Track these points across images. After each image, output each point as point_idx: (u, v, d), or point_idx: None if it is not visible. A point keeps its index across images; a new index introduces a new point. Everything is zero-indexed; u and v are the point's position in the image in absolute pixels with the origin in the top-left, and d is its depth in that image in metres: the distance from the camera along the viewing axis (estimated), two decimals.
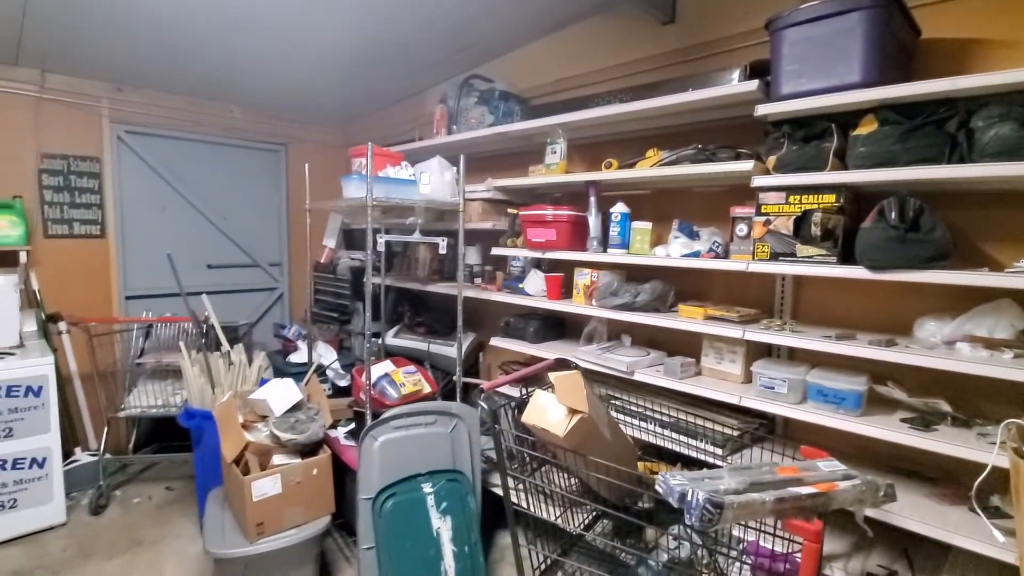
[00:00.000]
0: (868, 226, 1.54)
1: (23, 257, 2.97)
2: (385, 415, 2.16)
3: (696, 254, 1.99)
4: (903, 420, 1.57)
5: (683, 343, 2.17)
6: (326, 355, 3.08)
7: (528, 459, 1.97)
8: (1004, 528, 1.38)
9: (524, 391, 1.97)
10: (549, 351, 2.40)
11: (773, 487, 1.25)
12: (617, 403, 2.20)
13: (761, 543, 1.60)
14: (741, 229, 1.92)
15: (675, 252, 2.03)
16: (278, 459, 2.12)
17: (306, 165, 2.90)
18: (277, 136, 4.11)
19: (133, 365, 3.07)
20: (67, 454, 2.96)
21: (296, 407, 2.28)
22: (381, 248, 2.30)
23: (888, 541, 1.66)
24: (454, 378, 2.62)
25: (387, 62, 3.13)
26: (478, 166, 3.06)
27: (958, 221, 1.65)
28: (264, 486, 2.00)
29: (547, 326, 2.60)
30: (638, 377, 2.08)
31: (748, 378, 1.90)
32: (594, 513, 1.94)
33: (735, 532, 1.63)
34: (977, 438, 1.44)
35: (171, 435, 3.05)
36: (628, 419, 2.11)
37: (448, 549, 2.10)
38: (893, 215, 1.49)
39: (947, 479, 1.67)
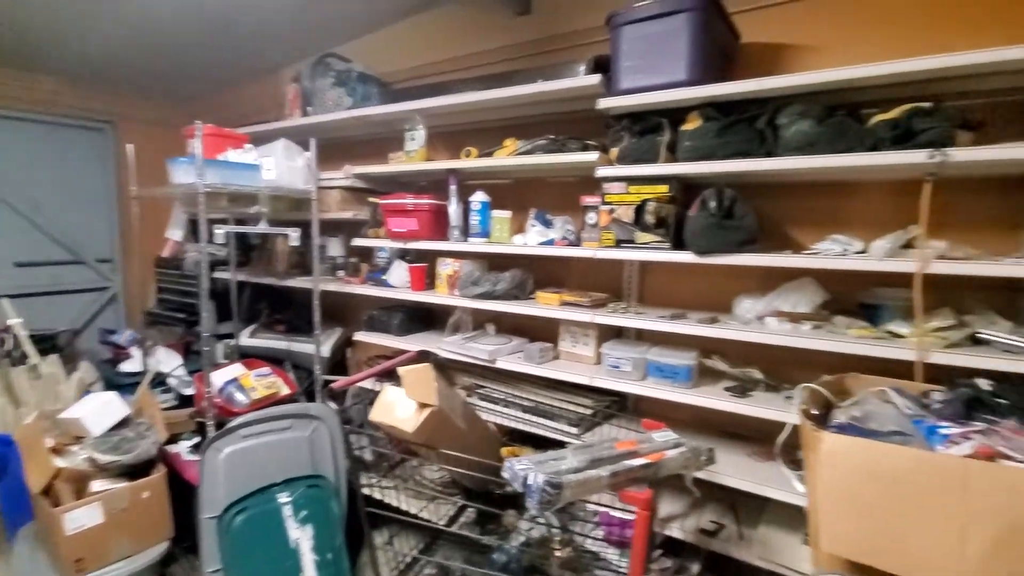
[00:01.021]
0: (693, 214, 1.68)
1: None
2: (231, 424, 1.97)
3: (551, 242, 2.05)
4: (726, 389, 1.75)
5: (544, 329, 2.23)
6: (167, 361, 2.75)
7: (388, 456, 1.92)
8: (803, 478, 1.58)
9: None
10: (414, 343, 2.34)
11: (610, 462, 1.32)
12: (482, 391, 2.21)
13: (613, 512, 1.71)
14: (591, 218, 2.01)
15: (532, 240, 2.07)
16: (99, 484, 1.84)
17: (129, 146, 2.53)
18: (102, 112, 3.56)
19: None
20: None
21: (122, 423, 2.01)
22: (221, 240, 2.07)
23: (719, 499, 1.84)
24: (315, 376, 2.47)
25: (227, 31, 2.82)
26: (336, 152, 2.90)
27: (769, 209, 1.85)
28: (80, 517, 1.73)
29: (413, 318, 2.54)
30: (500, 364, 2.10)
31: (599, 359, 2.00)
32: (459, 504, 1.94)
33: (589, 506, 1.72)
34: (784, 401, 1.65)
35: None
36: (493, 406, 2.13)
37: (309, 559, 1.98)
38: (712, 204, 1.63)
39: (763, 439, 1.88)
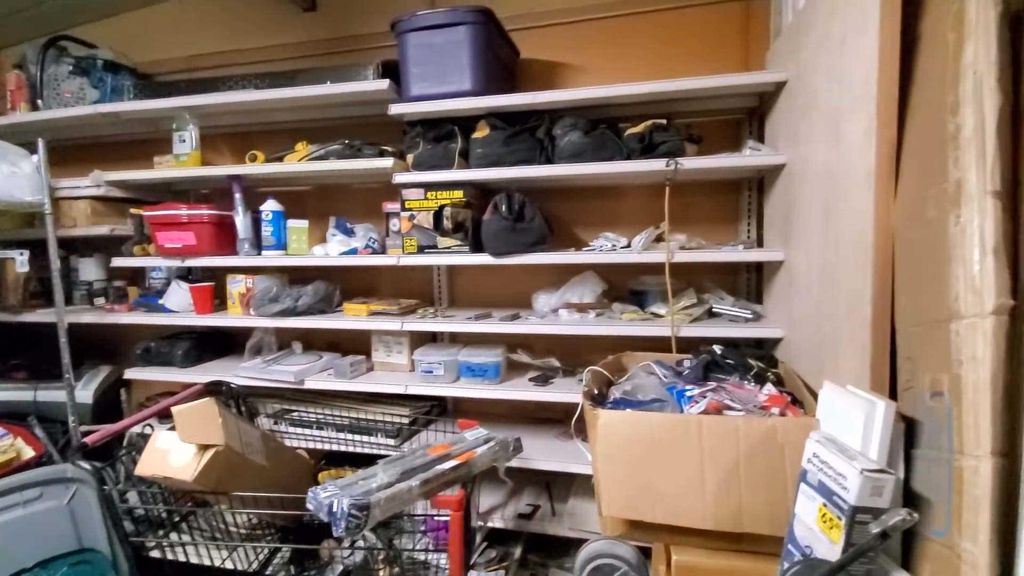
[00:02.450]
0: (487, 218, 1.76)
1: None
2: None
3: (354, 251, 1.97)
4: (531, 379, 1.88)
5: (356, 341, 2.15)
6: None
7: (171, 511, 1.66)
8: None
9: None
10: (205, 373, 2.06)
11: (422, 470, 1.31)
12: (293, 415, 2.04)
13: (439, 518, 1.71)
14: (394, 224, 1.98)
15: (333, 250, 1.97)
16: None
17: None
18: None
19: None
20: None
21: None
22: None
23: (535, 482, 1.98)
24: (71, 429, 2.02)
25: None
26: (80, 155, 2.42)
27: (557, 211, 2.04)
28: None
29: (202, 345, 2.24)
30: (310, 385, 1.97)
31: (413, 366, 1.99)
32: (270, 546, 1.76)
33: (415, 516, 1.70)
34: (578, 384, 1.83)
35: None
36: (305, 431, 1.98)
37: None
38: (504, 208, 1.74)
39: (567, 420, 2.07)
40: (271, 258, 2.01)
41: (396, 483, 1.26)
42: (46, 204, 1.87)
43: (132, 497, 2.02)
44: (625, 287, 1.97)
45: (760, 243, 1.84)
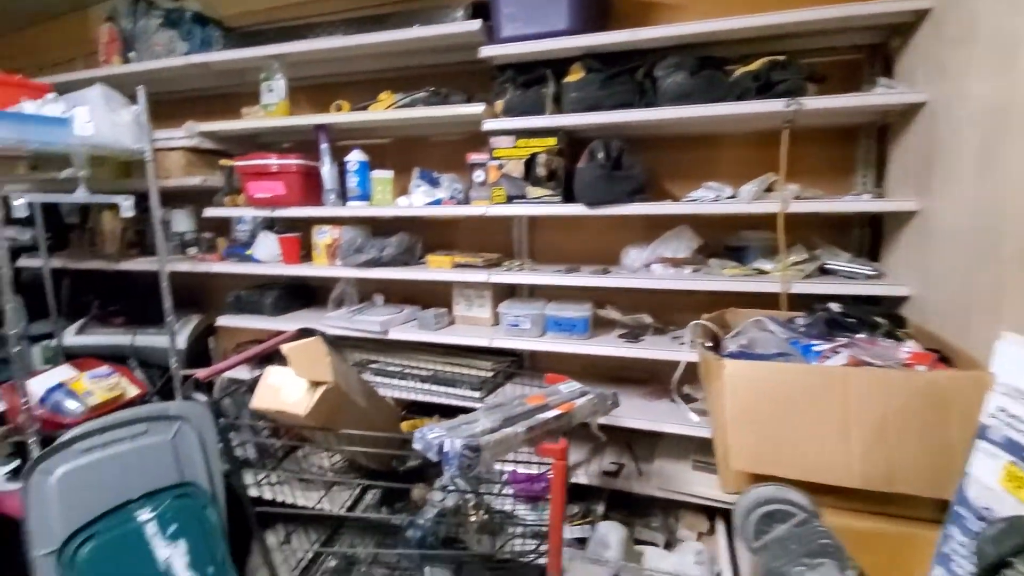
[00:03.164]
0: (582, 166, 1.68)
1: None
2: (63, 438, 1.61)
3: (438, 202, 1.94)
4: (620, 336, 1.82)
5: (436, 294, 2.14)
6: None
7: (271, 449, 1.71)
8: (696, 410, 1.71)
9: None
10: (292, 322, 2.11)
11: (524, 418, 1.29)
12: (375, 366, 2.07)
13: (519, 470, 1.71)
14: (478, 175, 1.93)
15: (418, 201, 1.94)
16: None
17: None
18: None
19: None
20: None
21: None
22: (23, 212, 1.64)
23: (616, 441, 1.94)
24: (172, 372, 2.12)
25: None
26: (172, 109, 2.47)
27: (648, 163, 1.93)
28: None
29: (289, 295, 2.29)
30: (393, 335, 1.97)
31: (496, 320, 1.97)
32: (360, 487, 1.81)
33: (497, 467, 1.69)
34: (671, 342, 1.75)
35: None
36: (388, 380, 2.00)
37: None
38: (600, 155, 1.65)
39: (653, 379, 2.01)
40: (356, 209, 2.01)
41: (500, 428, 1.24)
42: (148, 151, 1.92)
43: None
44: (720, 243, 1.86)
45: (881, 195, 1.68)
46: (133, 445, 1.78)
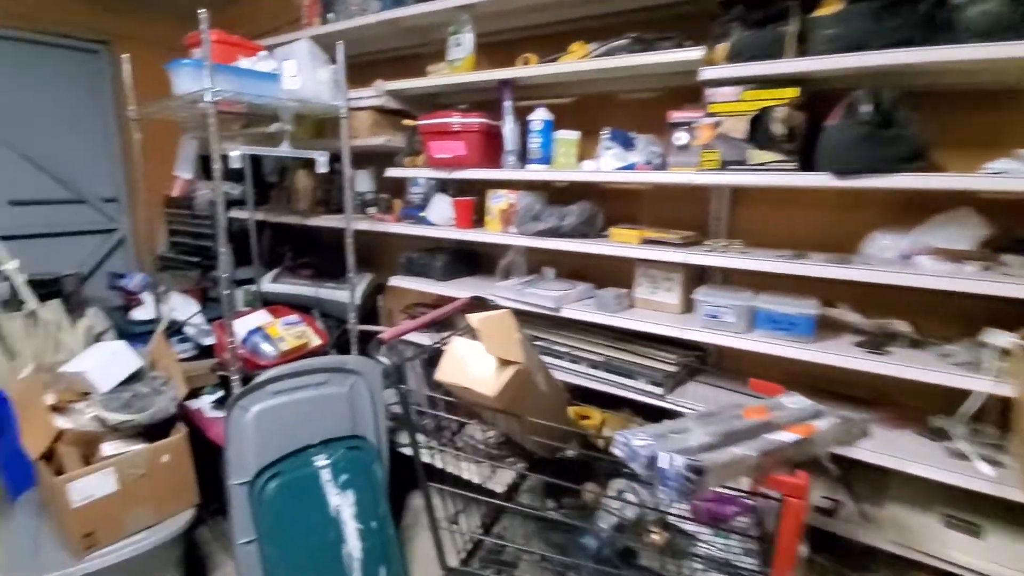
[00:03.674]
0: (835, 123, 1.32)
1: None
2: (260, 378, 1.71)
3: (631, 166, 1.70)
4: (856, 344, 1.43)
5: (612, 273, 1.92)
6: (182, 308, 2.48)
7: (444, 423, 1.65)
8: (987, 458, 1.28)
9: (440, 340, 1.60)
10: (460, 289, 2.04)
11: (750, 436, 1.03)
12: (540, 343, 1.93)
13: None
14: (680, 137, 1.65)
15: (607, 165, 1.72)
16: (111, 447, 1.61)
17: (124, 56, 2.17)
18: (94, 30, 3.15)
19: None
20: None
21: (135, 377, 1.75)
22: (237, 163, 1.74)
23: (818, 469, 1.57)
24: (349, 327, 2.19)
25: None
26: (363, 70, 2.51)
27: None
28: (89, 486, 1.49)
29: (457, 260, 2.23)
30: (566, 313, 1.80)
31: (686, 307, 1.69)
32: (519, 469, 1.69)
33: None
34: (939, 359, 1.33)
35: None
36: (555, 361, 1.85)
37: (351, 528, 1.77)
38: (865, 108, 1.27)
39: (882, 401, 1.59)
40: (537, 172, 1.85)
41: (720, 446, 1.00)
42: (344, 108, 1.94)
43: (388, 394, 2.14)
44: (1010, 234, 1.37)
45: None
46: (315, 393, 1.85)
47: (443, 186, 2.21)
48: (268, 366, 1.85)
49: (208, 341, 2.50)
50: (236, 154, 1.70)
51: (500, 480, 1.72)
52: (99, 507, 1.51)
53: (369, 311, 2.67)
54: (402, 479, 2.05)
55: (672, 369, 1.69)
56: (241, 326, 1.86)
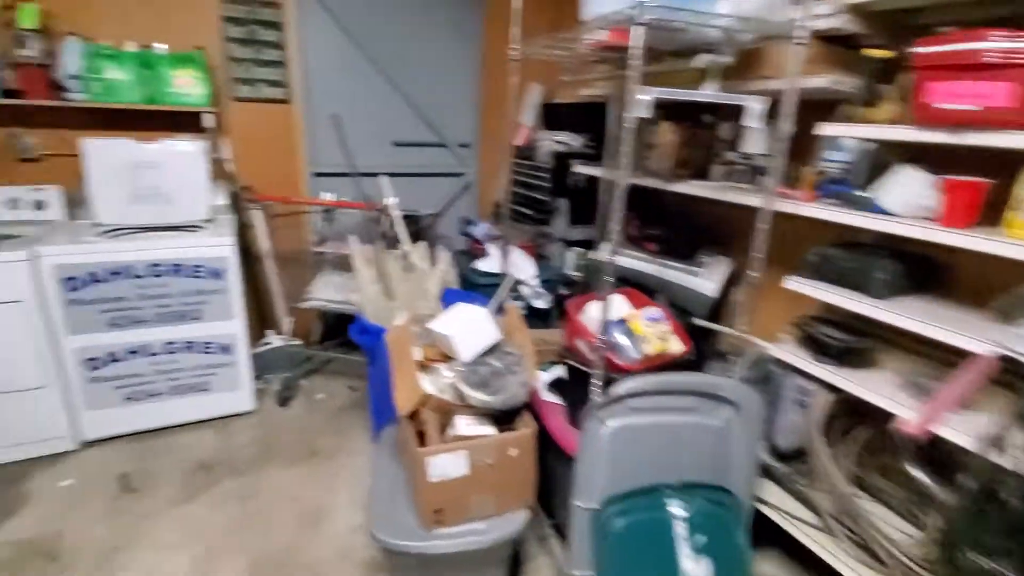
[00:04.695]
0: None
1: (209, 121, 2.64)
2: (623, 387, 1.36)
3: None
4: None
5: None
6: (522, 266, 2.36)
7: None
8: None
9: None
10: (909, 313, 1.31)
11: None
12: None
13: None
14: None
15: None
16: (463, 423, 1.48)
17: None
18: None
19: (313, 253, 2.73)
20: (261, 336, 2.83)
21: (490, 349, 1.60)
22: (645, 112, 1.33)
23: None
24: (715, 329, 1.69)
25: None
26: None
27: None
28: (445, 465, 1.39)
29: (910, 272, 1.48)
30: None
31: None
32: None
33: None
34: None
35: None
36: None
37: None
38: None
39: None
40: None
41: None
42: (800, 29, 1.35)
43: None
44: None
45: None
46: (680, 420, 1.43)
47: (914, 156, 1.45)
48: (627, 370, 1.50)
49: (539, 304, 2.35)
50: (648, 99, 1.29)
51: None
52: (450, 487, 1.41)
53: (717, 309, 2.14)
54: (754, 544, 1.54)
55: None
56: (599, 312, 1.53)
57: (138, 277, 2.19)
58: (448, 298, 2.08)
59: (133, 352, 2.27)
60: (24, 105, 2.29)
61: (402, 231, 2.30)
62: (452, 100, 3.40)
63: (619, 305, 1.67)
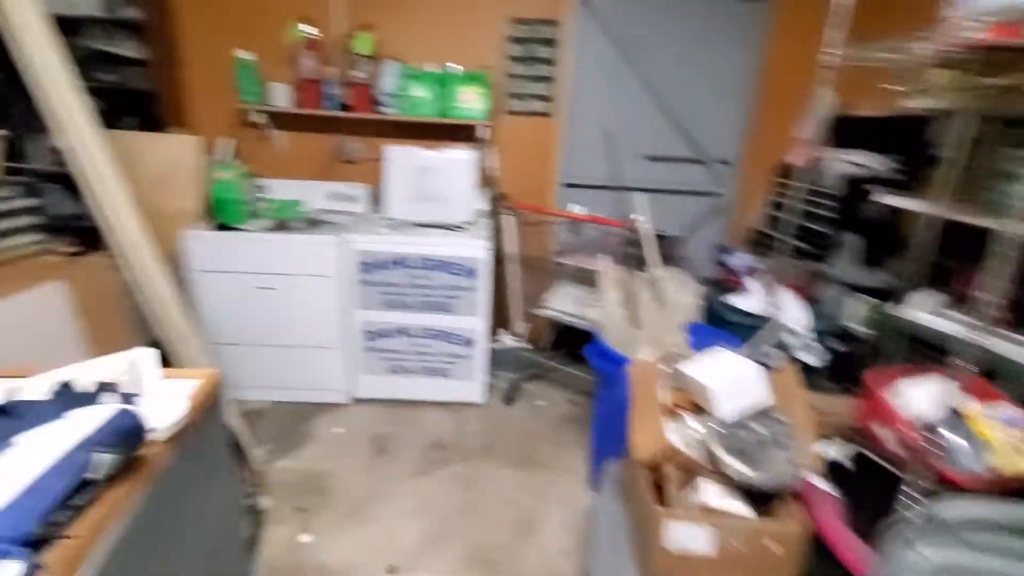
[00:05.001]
0: None
1: (484, 133, 2.88)
2: (952, 509, 0.99)
3: None
4: None
5: None
6: (792, 311, 1.99)
7: None
8: None
9: None
10: None
11: None
12: None
13: None
14: None
15: None
16: (712, 492, 1.27)
17: None
18: None
19: (555, 262, 2.76)
20: (494, 334, 3.00)
21: (756, 412, 1.35)
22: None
23: None
24: None
25: None
26: None
27: None
28: (687, 535, 1.20)
29: None
30: None
31: None
32: None
33: None
34: None
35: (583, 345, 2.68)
36: None
37: None
38: None
39: None
40: None
41: None
42: None
43: None
44: None
45: None
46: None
47: None
48: (963, 486, 1.10)
49: (808, 359, 1.95)
50: None
51: None
52: (688, 564, 1.21)
53: None
54: None
55: None
56: (927, 397, 1.14)
57: (411, 268, 2.50)
58: (696, 334, 1.86)
59: (399, 331, 2.60)
60: (352, 118, 2.81)
61: (652, 252, 2.15)
62: (717, 112, 3.11)
63: (955, 393, 1.24)
